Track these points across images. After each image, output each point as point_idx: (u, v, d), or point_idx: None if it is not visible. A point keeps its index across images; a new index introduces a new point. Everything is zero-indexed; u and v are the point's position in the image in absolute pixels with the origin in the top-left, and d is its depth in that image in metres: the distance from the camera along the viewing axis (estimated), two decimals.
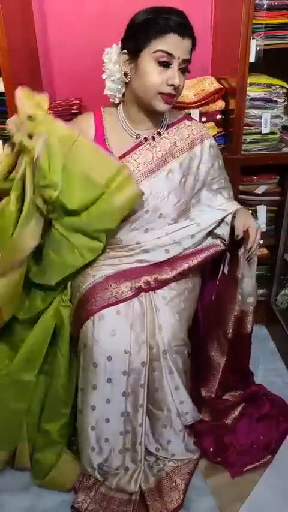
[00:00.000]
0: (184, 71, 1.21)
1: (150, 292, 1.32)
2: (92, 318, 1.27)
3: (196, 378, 1.50)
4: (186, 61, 1.19)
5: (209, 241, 1.40)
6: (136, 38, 1.16)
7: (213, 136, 1.75)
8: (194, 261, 1.36)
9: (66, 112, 1.72)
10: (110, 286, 1.30)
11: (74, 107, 1.77)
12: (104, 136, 1.30)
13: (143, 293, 1.32)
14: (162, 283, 1.33)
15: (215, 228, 1.39)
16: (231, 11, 1.62)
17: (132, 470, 1.36)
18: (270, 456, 1.44)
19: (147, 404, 1.33)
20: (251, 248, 1.33)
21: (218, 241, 1.40)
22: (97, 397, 1.28)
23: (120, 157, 1.28)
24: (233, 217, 1.37)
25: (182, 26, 1.15)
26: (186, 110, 1.72)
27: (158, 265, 1.34)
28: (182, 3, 1.87)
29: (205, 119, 1.73)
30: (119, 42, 1.24)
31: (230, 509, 1.31)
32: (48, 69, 1.98)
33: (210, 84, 1.76)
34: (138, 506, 1.32)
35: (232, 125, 1.71)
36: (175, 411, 1.35)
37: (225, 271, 1.45)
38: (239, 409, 1.53)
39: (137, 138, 1.30)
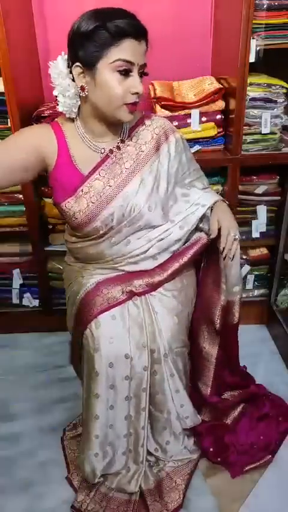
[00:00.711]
0: (142, 74, 1.11)
1: (147, 295, 1.31)
2: (89, 326, 1.26)
3: (193, 372, 1.50)
4: (144, 65, 1.10)
5: (195, 235, 1.35)
6: (88, 49, 1.05)
7: (213, 136, 1.76)
8: (184, 258, 1.33)
9: None
10: (102, 292, 1.29)
11: None
12: (69, 153, 1.20)
13: (137, 297, 1.31)
14: (155, 286, 1.32)
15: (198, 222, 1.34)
16: (231, 11, 1.62)
17: (133, 470, 1.37)
18: (270, 456, 1.44)
19: (149, 406, 1.33)
20: (224, 249, 1.27)
21: (203, 235, 1.34)
22: (100, 406, 1.27)
23: (88, 176, 1.20)
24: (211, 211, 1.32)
25: (138, 29, 1.05)
26: (186, 110, 1.72)
27: (149, 271, 1.32)
28: (182, 3, 1.89)
29: (205, 118, 1.73)
30: (63, 53, 1.14)
31: (230, 509, 1.31)
32: (48, 69, 1.97)
33: (210, 84, 1.76)
34: (138, 506, 1.33)
35: (232, 124, 1.71)
36: (175, 414, 1.35)
37: (205, 263, 1.43)
38: (239, 409, 1.53)
39: (102, 153, 1.21)
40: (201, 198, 1.33)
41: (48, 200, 1.87)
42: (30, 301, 2.05)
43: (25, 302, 2.05)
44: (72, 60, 1.10)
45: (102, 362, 1.24)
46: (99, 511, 1.31)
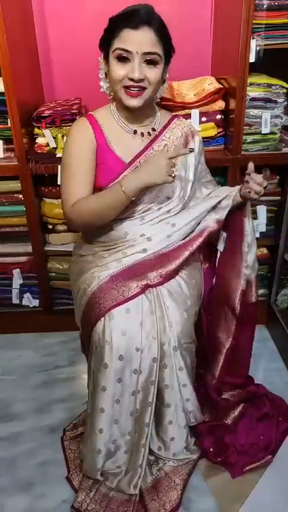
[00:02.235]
0: (151, 63, 1.20)
1: (158, 288, 1.32)
2: (102, 319, 1.26)
3: (202, 363, 1.51)
4: (150, 53, 1.18)
5: (203, 223, 1.40)
6: (102, 43, 1.24)
7: (213, 136, 1.77)
8: (194, 245, 1.37)
9: (66, 112, 1.72)
10: (116, 285, 1.29)
11: (74, 107, 1.77)
12: (105, 137, 1.32)
13: (150, 289, 1.31)
14: (168, 277, 1.33)
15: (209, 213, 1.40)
16: (231, 11, 1.62)
17: (131, 474, 1.36)
18: (270, 456, 1.44)
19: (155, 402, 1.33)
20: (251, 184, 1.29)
21: (211, 223, 1.40)
22: (106, 399, 1.28)
23: (130, 163, 1.31)
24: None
25: (134, 18, 1.16)
26: (187, 110, 1.72)
27: (160, 259, 1.34)
28: (182, 3, 1.89)
29: (205, 119, 1.73)
30: None
31: (230, 509, 1.31)
32: (48, 69, 1.98)
33: (210, 84, 1.76)
34: (137, 506, 1.32)
35: (232, 125, 1.71)
36: (181, 407, 1.36)
37: (221, 249, 1.48)
38: (239, 409, 1.53)
39: (134, 133, 1.33)
40: (212, 193, 1.44)
41: (48, 200, 1.88)
42: (30, 301, 2.05)
43: (25, 302, 2.05)
44: None
45: (113, 354, 1.24)
46: (99, 511, 1.31)
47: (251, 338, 1.53)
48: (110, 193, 1.24)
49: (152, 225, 1.36)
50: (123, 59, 1.19)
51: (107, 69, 1.26)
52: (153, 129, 1.36)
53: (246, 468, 1.41)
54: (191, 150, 1.30)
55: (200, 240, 1.38)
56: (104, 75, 1.31)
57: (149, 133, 1.35)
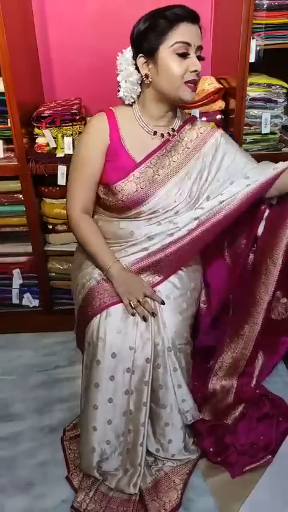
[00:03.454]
0: (199, 58, 1.22)
1: (155, 288, 1.33)
2: (98, 315, 1.27)
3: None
4: (200, 48, 1.22)
5: (214, 209, 1.37)
6: (150, 38, 1.19)
7: None
8: (206, 225, 1.35)
9: (66, 112, 1.72)
10: None
11: (74, 107, 1.77)
12: (119, 135, 1.32)
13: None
14: (168, 273, 1.35)
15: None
16: (231, 11, 1.62)
17: (131, 472, 1.35)
18: (270, 456, 1.44)
19: (150, 403, 1.33)
20: None
21: (220, 208, 1.36)
22: (99, 396, 1.28)
23: (141, 163, 1.31)
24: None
25: (191, 13, 1.19)
26: (186, 110, 1.72)
27: (160, 257, 1.35)
28: (182, 3, 1.89)
29: (205, 119, 1.73)
30: (129, 48, 1.27)
31: (230, 509, 1.31)
32: (48, 69, 1.98)
33: (210, 84, 1.76)
34: (137, 506, 1.32)
35: (232, 125, 1.71)
36: (177, 408, 1.36)
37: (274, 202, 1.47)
38: (240, 409, 1.53)
39: (154, 134, 1.33)
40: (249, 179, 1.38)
41: (48, 200, 1.88)
42: (30, 301, 2.05)
43: (25, 302, 2.05)
44: (136, 53, 1.24)
45: (105, 352, 1.25)
46: (99, 511, 1.30)
47: None
48: (100, 255, 1.33)
49: (158, 226, 1.36)
50: (183, 54, 1.18)
51: (153, 68, 1.22)
52: (173, 130, 1.35)
53: (246, 468, 1.41)
54: (163, 303, 1.29)
55: (213, 220, 1.35)
56: (137, 76, 1.26)
57: (169, 134, 1.34)
